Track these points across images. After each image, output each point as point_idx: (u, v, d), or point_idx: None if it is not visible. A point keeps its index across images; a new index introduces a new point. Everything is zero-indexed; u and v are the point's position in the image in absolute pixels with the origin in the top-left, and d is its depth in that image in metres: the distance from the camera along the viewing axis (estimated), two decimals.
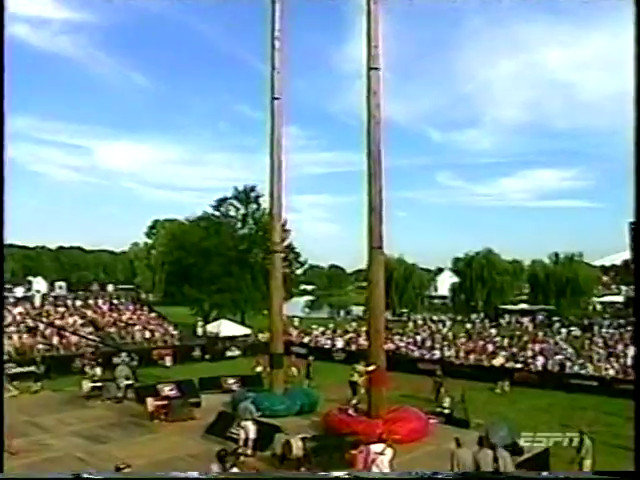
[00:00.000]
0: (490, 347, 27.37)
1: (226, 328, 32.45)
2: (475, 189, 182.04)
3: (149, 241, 77.79)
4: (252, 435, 11.54)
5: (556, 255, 54.12)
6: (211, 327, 33.25)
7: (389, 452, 8.76)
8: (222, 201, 41.16)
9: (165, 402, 14.57)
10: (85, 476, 6.40)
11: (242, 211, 41.21)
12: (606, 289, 59.60)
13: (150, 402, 14.37)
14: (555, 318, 44.32)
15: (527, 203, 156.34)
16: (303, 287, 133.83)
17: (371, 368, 13.22)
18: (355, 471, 9.39)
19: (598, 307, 55.97)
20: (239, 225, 41.61)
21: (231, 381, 18.80)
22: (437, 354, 26.61)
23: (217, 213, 41.49)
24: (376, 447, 8.86)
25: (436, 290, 66.58)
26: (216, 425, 13.24)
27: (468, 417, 15.40)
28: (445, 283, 64.70)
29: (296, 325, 37.89)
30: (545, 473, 9.57)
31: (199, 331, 32.79)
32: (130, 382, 17.10)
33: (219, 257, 38.34)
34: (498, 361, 24.19)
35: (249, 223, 41.05)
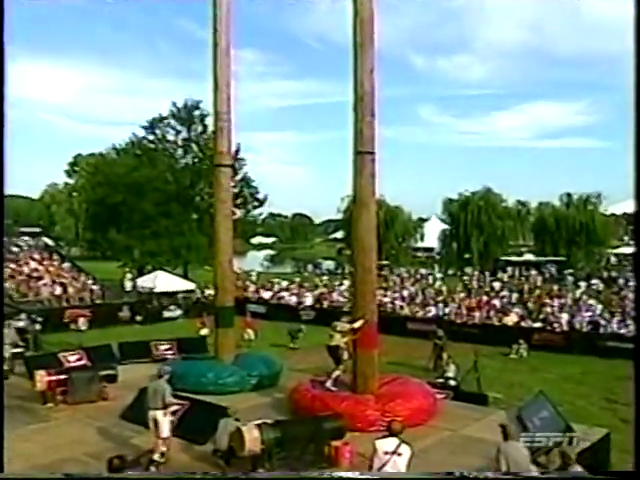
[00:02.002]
0: (497, 303, 26.40)
1: (163, 282, 31.14)
2: (464, 126, 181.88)
3: (71, 181, 73.85)
4: (165, 433, 9.01)
5: (568, 195, 52.78)
6: (143, 281, 31.82)
7: (406, 451, 6.45)
8: (157, 122, 38.61)
9: (63, 377, 12.04)
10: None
11: (184, 134, 38.83)
12: (618, 240, 59.10)
13: (40, 377, 11.90)
14: (568, 271, 43.11)
15: (525, 143, 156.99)
16: (261, 240, 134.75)
17: (358, 324, 11.11)
18: (338, 471, 7.97)
19: (612, 259, 55.45)
20: (180, 152, 39.52)
21: (164, 347, 16.81)
22: (432, 311, 25.75)
23: (151, 137, 39.09)
24: (387, 443, 6.57)
25: (422, 240, 64.16)
26: (134, 408, 10.87)
27: (483, 390, 13.87)
28: (432, 233, 63.20)
29: (253, 280, 36.96)
30: (544, 473, 7.90)
31: (127, 286, 31.03)
32: (19, 350, 14.65)
33: (154, 193, 36.46)
34: (511, 319, 23.16)
35: (193, 150, 39.03)
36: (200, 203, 38.00)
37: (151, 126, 38.57)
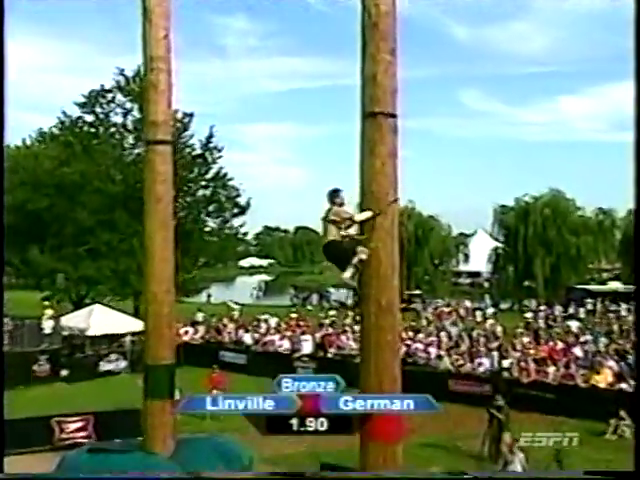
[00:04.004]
0: (579, 352, 25.52)
1: (102, 321, 30.17)
2: (520, 115, 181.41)
3: None
4: None
5: None
6: (72, 319, 30.64)
7: None
8: (97, 96, 37.23)
9: None
10: None
11: (135, 115, 37.39)
12: None
13: None
14: None
15: (602, 135, 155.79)
16: (254, 262, 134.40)
17: None
18: None
19: None
20: (130, 140, 38.48)
21: (74, 426, 15.07)
22: (484, 364, 24.69)
23: (89, 119, 37.74)
24: None
25: (466, 262, 64.82)
26: None
27: None
28: (480, 252, 63.79)
29: (235, 316, 36.38)
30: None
31: (47, 327, 29.66)
32: None
33: (92, 196, 35.33)
34: (604, 378, 21.73)
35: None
36: None
37: (89, 103, 37.10)
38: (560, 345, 26.29)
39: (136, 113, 37.12)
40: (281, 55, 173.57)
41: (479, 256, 63.07)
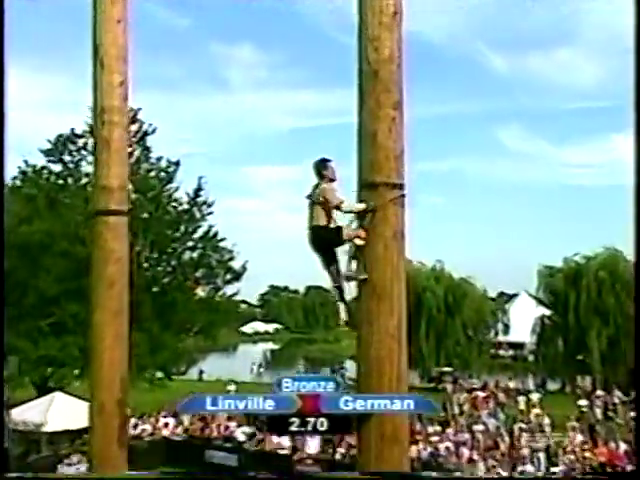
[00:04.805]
0: None
1: (63, 413, 29.13)
2: (569, 156, 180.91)
3: None
4: None
5: None
6: (25, 411, 29.71)
7: None
8: (66, 142, 36.88)
9: None
10: None
11: None
12: None
13: None
14: None
15: None
16: (258, 328, 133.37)
17: None
18: None
19: None
20: None
21: None
22: (527, 469, 24.10)
23: (57, 168, 37.36)
24: None
25: (507, 332, 64.40)
26: None
27: None
28: (523, 319, 63.28)
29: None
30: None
31: None
32: None
33: (58, 260, 34.47)
34: None
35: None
36: (137, 273, 35.30)
37: (56, 150, 36.69)
38: (623, 447, 25.20)
39: None
40: (290, 89, 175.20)
41: (522, 324, 62.36)
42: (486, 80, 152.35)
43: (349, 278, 9.57)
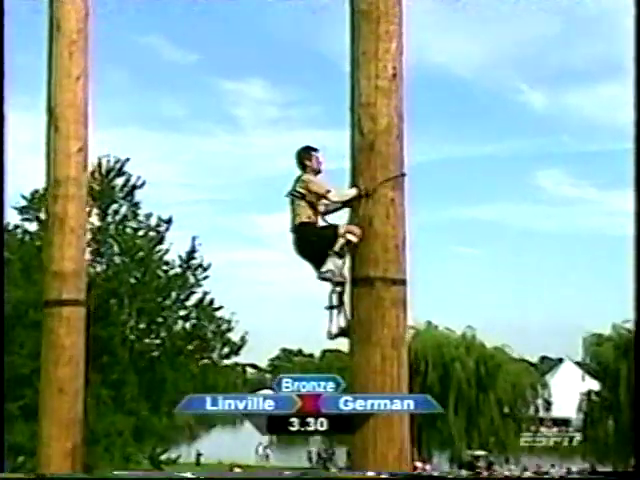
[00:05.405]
0: None
1: None
2: (617, 202, 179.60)
3: None
4: None
5: None
6: None
7: None
8: (40, 198, 35.48)
9: None
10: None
11: (93, 220, 36.09)
12: None
13: None
14: None
15: None
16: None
17: None
18: None
19: None
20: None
21: None
22: None
23: (32, 227, 36.51)
24: None
25: (548, 408, 63.80)
26: None
27: None
28: (566, 393, 63.60)
29: None
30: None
31: None
32: None
33: (32, 332, 31.93)
34: None
35: (111, 248, 36.60)
36: (122, 347, 35.01)
37: (31, 207, 36.06)
38: None
39: (95, 221, 36.51)
40: (307, 127, 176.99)
41: (566, 398, 62.30)
42: (523, 119, 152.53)
43: (326, 279, 9.19)
